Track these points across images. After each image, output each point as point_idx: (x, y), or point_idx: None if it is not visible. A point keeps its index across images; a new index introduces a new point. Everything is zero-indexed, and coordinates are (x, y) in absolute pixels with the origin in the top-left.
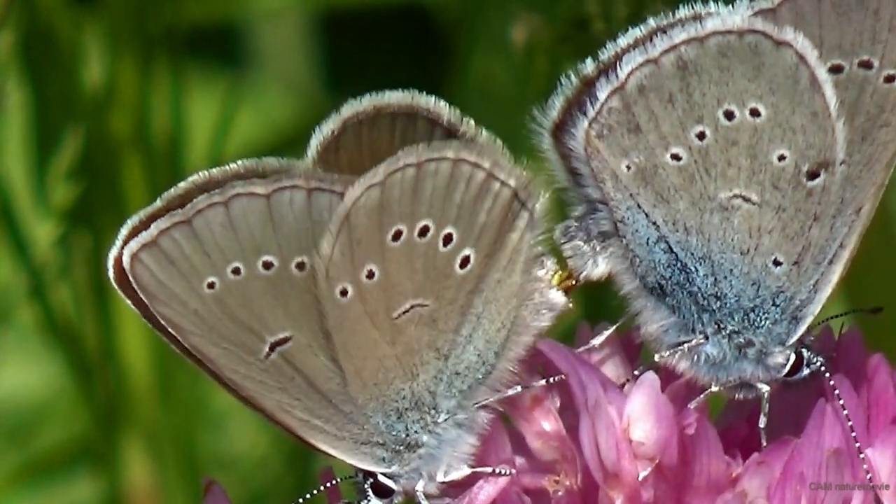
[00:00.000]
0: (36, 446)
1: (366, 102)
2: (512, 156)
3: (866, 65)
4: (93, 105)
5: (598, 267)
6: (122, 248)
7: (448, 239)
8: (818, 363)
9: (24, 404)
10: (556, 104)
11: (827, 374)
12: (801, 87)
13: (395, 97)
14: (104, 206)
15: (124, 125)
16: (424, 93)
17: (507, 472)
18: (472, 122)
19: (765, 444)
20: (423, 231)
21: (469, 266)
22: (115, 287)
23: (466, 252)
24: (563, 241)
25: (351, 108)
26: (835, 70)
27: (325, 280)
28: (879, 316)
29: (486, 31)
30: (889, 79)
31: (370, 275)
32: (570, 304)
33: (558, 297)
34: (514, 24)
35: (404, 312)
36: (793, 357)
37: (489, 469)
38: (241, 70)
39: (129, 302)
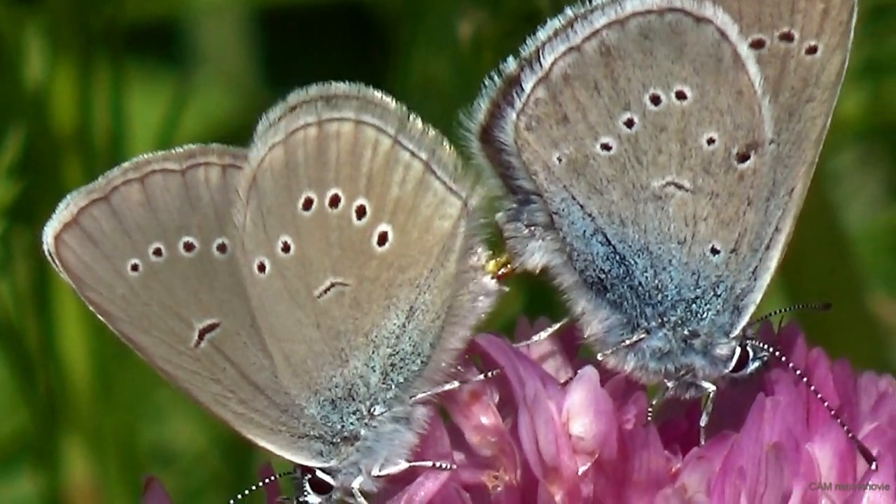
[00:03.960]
0: None
1: (312, 91)
2: (455, 153)
3: (787, 37)
4: (34, 103)
5: (536, 255)
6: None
7: (361, 211)
8: (765, 355)
9: None
10: (482, 106)
11: (781, 358)
12: (725, 66)
13: (341, 88)
14: (45, 203)
15: (65, 123)
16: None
17: (447, 467)
18: (418, 117)
19: (704, 440)
20: (334, 201)
21: (388, 244)
22: (60, 270)
23: (383, 228)
24: (504, 222)
25: (297, 96)
26: (756, 45)
27: (242, 253)
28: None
29: (427, 28)
30: (811, 50)
31: (286, 247)
32: (506, 289)
33: (492, 284)
34: (459, 19)
35: (325, 291)
36: (738, 350)
37: (428, 463)
38: (180, 67)
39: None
